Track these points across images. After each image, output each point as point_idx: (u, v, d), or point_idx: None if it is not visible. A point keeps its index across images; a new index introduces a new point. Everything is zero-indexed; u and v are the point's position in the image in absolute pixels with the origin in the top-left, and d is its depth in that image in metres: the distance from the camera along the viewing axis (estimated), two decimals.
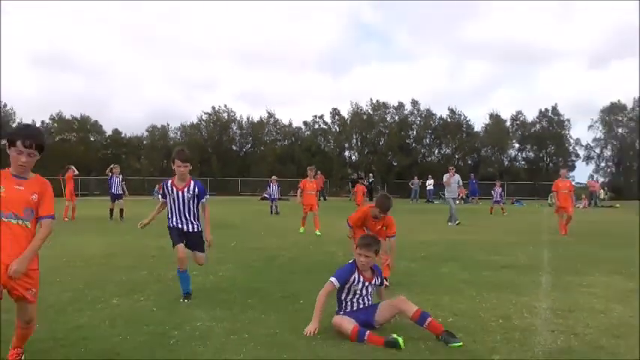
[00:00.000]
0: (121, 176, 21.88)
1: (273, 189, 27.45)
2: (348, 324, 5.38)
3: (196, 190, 7.01)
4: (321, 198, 41.53)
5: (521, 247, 13.05)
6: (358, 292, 5.68)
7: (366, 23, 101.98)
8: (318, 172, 26.85)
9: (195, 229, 7.11)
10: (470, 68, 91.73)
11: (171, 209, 7.08)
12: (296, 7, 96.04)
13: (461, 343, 5.16)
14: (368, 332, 5.27)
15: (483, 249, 12.57)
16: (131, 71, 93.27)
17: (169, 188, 7.01)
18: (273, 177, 29.44)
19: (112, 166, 22.27)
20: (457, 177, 21.82)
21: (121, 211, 20.95)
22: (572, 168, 63.91)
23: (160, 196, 7.36)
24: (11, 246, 4.02)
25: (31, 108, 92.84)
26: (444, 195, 26.88)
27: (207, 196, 7.33)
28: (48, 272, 8.93)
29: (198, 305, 6.70)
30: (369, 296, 5.79)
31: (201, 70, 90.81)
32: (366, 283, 5.71)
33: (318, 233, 15.87)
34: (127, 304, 6.72)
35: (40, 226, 4.24)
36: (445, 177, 21.43)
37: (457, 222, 20.45)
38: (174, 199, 6.99)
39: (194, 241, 7.13)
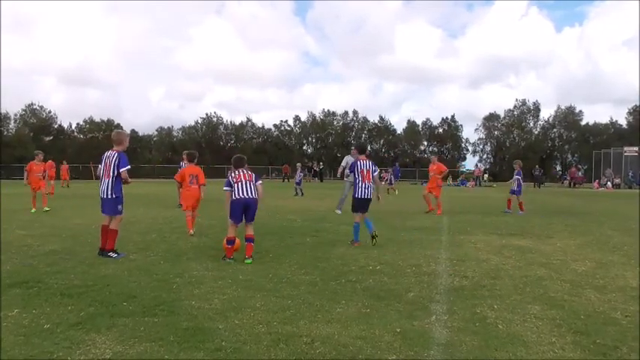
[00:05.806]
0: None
1: (299, 175, 23.05)
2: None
3: None
4: (286, 180, 41.40)
5: (427, 215, 13.25)
6: None
7: (312, 54, 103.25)
8: (286, 164, 24.79)
9: None
10: (386, 87, 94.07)
11: None
12: (259, 40, 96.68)
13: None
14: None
15: (400, 216, 12.66)
16: (140, 87, 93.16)
17: None
18: (299, 164, 25.02)
19: (184, 152, 14.22)
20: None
21: None
22: (464, 159, 65.96)
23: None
24: None
25: (64, 114, 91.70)
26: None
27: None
28: (81, 235, 8.67)
29: (194, 259, 6.59)
30: None
31: (190, 87, 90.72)
32: None
33: (33, 211, 12.70)
34: (141, 259, 6.55)
35: None
36: (347, 159, 13.45)
37: (338, 210, 12.95)
38: None
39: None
